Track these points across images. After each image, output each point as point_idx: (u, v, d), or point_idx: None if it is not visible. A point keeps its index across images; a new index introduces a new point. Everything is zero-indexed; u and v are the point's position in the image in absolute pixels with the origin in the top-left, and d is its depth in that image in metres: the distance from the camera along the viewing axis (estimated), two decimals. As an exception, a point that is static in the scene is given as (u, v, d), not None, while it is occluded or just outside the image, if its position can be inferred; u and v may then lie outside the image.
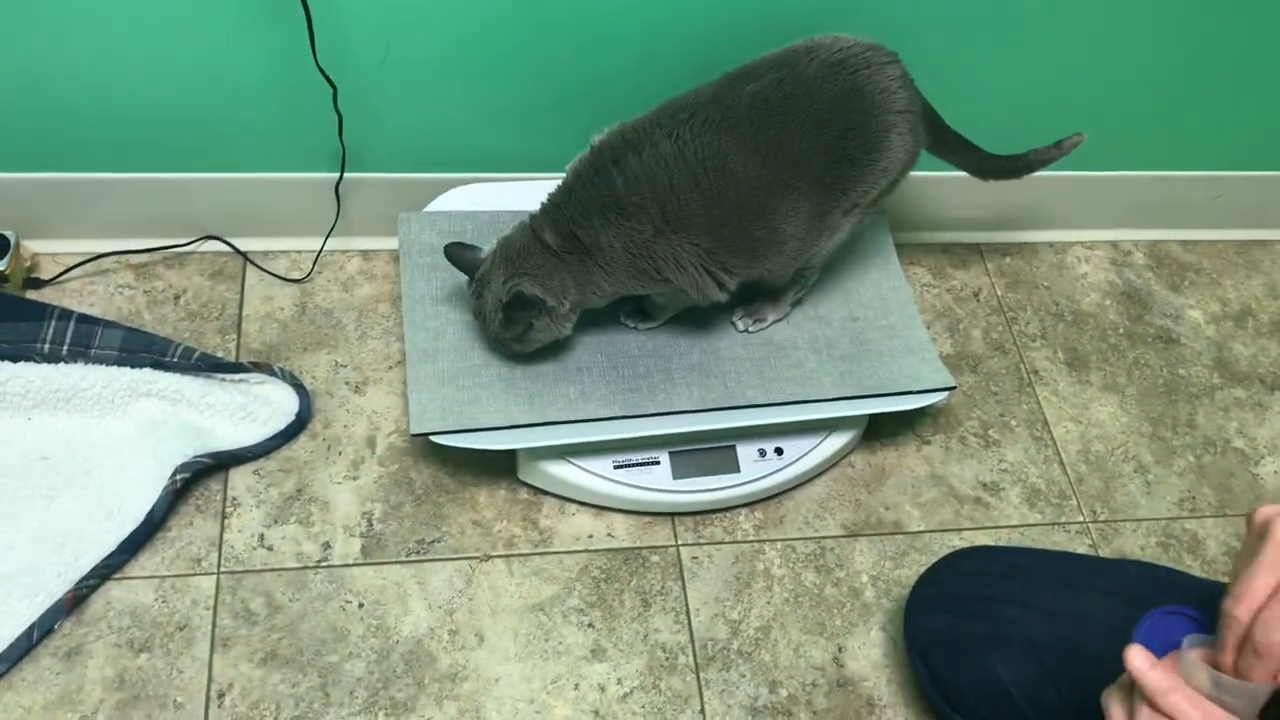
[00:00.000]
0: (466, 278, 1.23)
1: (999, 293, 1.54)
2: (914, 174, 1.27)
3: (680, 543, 1.24)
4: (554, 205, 1.19)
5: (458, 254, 1.23)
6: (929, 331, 1.40)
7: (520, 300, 1.17)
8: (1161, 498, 1.36)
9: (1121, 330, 1.52)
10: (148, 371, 1.24)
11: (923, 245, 1.57)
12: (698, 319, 1.32)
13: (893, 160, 1.20)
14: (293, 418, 1.26)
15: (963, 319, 1.50)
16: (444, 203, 1.38)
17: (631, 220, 1.15)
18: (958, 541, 1.27)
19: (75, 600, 1.10)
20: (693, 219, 1.15)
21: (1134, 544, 1.30)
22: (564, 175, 1.19)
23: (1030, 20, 1.33)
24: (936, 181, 1.45)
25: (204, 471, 1.20)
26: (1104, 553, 1.29)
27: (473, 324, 1.27)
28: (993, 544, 1.26)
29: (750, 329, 1.33)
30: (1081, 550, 1.29)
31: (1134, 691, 0.73)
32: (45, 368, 1.22)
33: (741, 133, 1.14)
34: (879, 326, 1.35)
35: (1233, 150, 1.56)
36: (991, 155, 1.31)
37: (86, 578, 1.11)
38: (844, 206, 1.22)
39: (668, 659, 1.15)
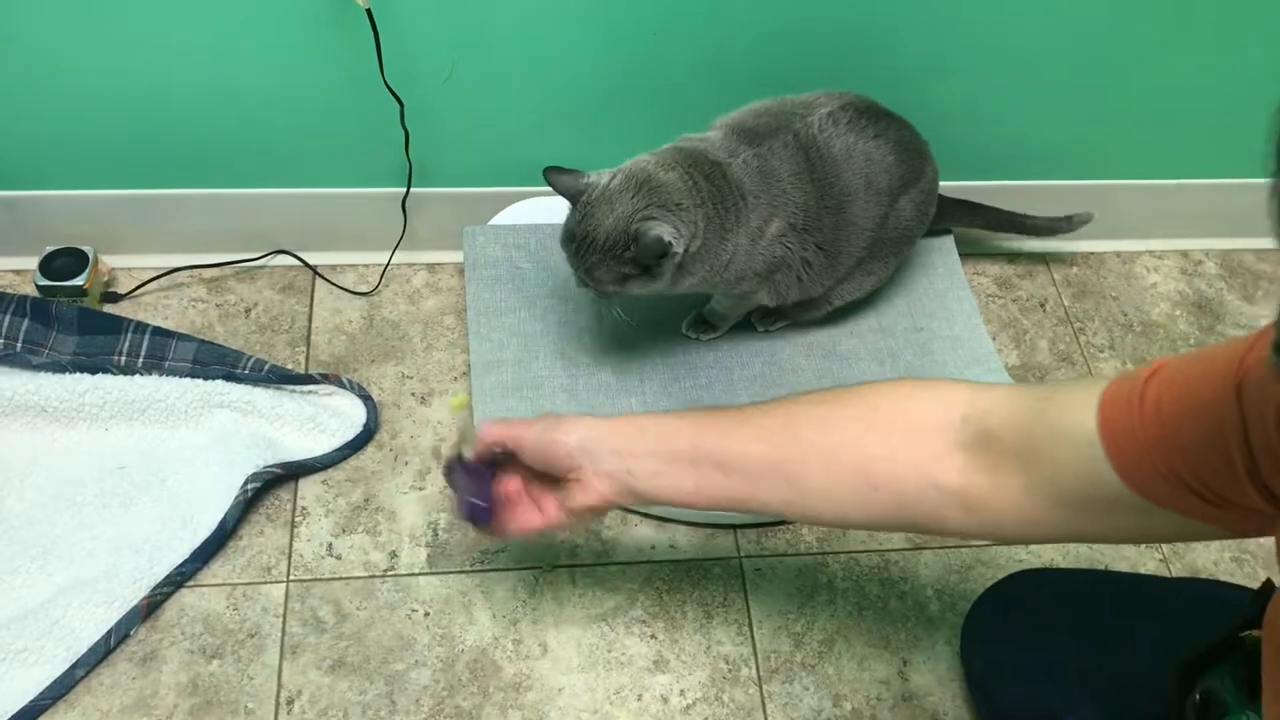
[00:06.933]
0: (570, 201, 1.13)
1: (1065, 303, 1.51)
2: (979, 183, 1.35)
3: (743, 554, 1.24)
4: (724, 149, 1.14)
5: (560, 179, 1.12)
6: (994, 342, 1.38)
7: (650, 245, 1.06)
8: (1235, 512, 1.32)
9: (1192, 341, 1.49)
10: (220, 383, 1.27)
11: (987, 255, 1.55)
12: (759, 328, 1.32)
13: (922, 224, 1.32)
14: (360, 428, 1.28)
15: (1029, 330, 1.48)
16: (508, 216, 1.39)
17: (781, 203, 1.17)
18: (1024, 555, 1.25)
19: (150, 606, 1.13)
20: (821, 215, 1.19)
21: (1206, 559, 1.28)
22: (720, 128, 1.19)
23: (1101, 25, 1.31)
24: (1002, 191, 1.44)
25: (274, 481, 1.23)
26: (1175, 568, 1.26)
27: (536, 335, 1.28)
28: (1047, 567, 1.24)
29: (701, 337, 1.33)
30: (1152, 565, 1.26)
31: None
32: (122, 379, 1.25)
33: (888, 143, 1.22)
34: (943, 337, 1.34)
35: (1309, 157, 1.52)
36: (998, 210, 1.42)
37: (161, 585, 1.14)
38: (907, 244, 1.32)
39: (730, 671, 1.15)
